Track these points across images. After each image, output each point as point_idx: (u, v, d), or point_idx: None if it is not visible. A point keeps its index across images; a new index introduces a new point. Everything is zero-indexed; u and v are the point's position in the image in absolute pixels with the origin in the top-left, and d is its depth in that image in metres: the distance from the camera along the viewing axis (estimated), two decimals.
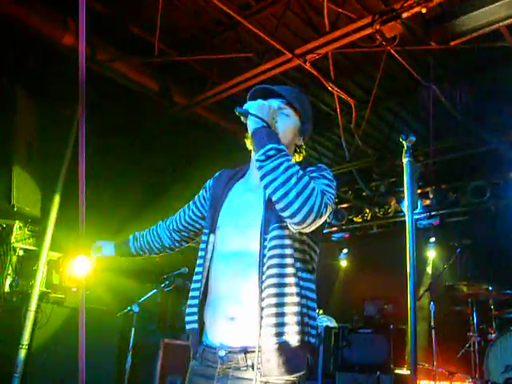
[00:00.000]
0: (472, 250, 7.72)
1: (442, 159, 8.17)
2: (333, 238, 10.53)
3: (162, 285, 5.75)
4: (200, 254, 2.04)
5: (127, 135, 7.14)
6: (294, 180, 1.73)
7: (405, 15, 4.71)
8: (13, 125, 5.81)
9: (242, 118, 1.95)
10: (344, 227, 10.24)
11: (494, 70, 6.30)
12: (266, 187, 1.78)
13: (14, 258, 6.53)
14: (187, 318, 1.99)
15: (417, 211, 8.97)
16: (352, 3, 5.35)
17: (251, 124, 1.89)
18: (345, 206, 10.08)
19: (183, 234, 2.41)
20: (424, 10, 4.57)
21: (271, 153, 1.78)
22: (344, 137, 7.04)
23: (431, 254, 9.12)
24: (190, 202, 2.38)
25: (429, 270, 9.04)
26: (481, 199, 8.34)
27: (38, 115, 6.28)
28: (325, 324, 7.79)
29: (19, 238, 6.63)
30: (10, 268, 6.49)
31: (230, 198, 2.08)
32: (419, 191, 9.02)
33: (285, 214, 1.75)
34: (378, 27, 4.85)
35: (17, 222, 6.54)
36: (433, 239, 9.12)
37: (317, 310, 1.94)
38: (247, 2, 5.64)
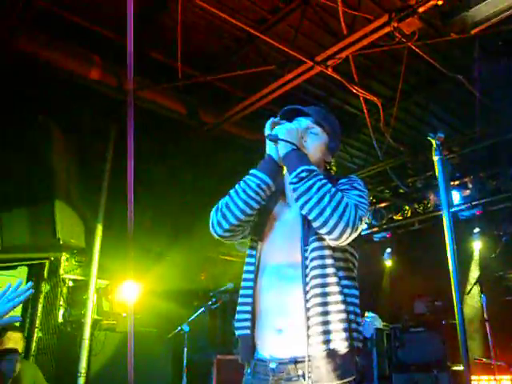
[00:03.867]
0: None
1: (478, 147, 8.02)
2: (375, 239, 10.41)
3: (210, 302, 5.82)
4: (248, 260, 2.12)
5: (164, 159, 7.28)
6: (327, 198, 1.81)
7: (421, 9, 4.66)
8: (51, 161, 6.02)
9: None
10: (385, 226, 10.13)
11: None
12: (301, 208, 1.87)
13: (65, 289, 6.73)
14: (237, 324, 2.04)
15: (458, 203, 8.81)
16: (367, 4, 5.33)
17: (281, 148, 1.99)
18: (383, 205, 9.99)
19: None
20: (440, 2, 4.52)
21: (303, 174, 1.87)
22: (375, 136, 7.00)
23: (476, 244, 8.93)
24: None
25: (476, 261, 8.85)
26: None
27: (74, 148, 6.49)
28: (373, 325, 7.70)
29: (67, 269, 6.84)
30: (62, 299, 6.68)
31: (271, 215, 2.15)
32: (457, 182, 8.86)
33: (322, 231, 1.84)
34: (395, 25, 4.82)
35: (63, 254, 6.75)
36: (477, 229, 8.93)
37: (363, 315, 1.96)
38: (263, 16, 5.71)
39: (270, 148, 2.08)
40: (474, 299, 7.19)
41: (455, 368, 6.80)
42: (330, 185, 1.86)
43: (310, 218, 1.84)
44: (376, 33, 5.03)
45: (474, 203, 8.76)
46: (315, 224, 1.84)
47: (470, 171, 8.68)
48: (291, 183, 1.90)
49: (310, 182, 1.85)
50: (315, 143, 2.13)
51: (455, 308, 1.96)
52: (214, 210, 2.11)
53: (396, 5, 5.18)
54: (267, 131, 2.06)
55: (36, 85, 5.85)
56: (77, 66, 5.59)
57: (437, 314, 8.01)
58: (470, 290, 6.60)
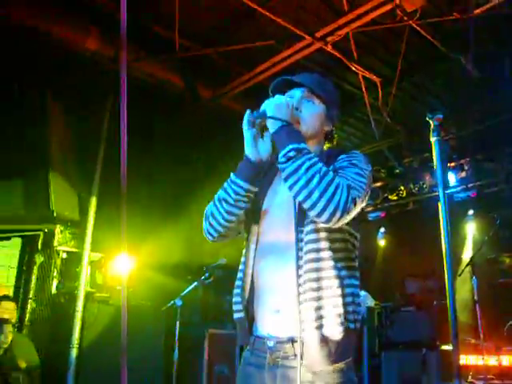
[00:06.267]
0: None
1: (476, 129, 7.98)
2: (369, 218, 10.45)
3: (202, 277, 5.84)
4: (244, 243, 2.09)
5: (159, 132, 7.23)
6: (316, 179, 1.73)
7: None
8: (46, 132, 5.98)
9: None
10: (379, 206, 10.15)
11: None
12: (289, 189, 1.79)
13: (58, 261, 6.73)
14: (234, 307, 2.03)
15: (453, 184, 8.82)
16: None
17: (270, 126, 1.89)
18: (379, 184, 9.99)
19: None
20: None
21: (291, 154, 1.78)
22: (372, 115, 6.96)
23: (470, 226, 8.98)
24: None
25: (469, 243, 8.90)
26: None
27: (70, 120, 6.44)
28: (365, 304, 7.77)
29: (61, 241, 6.83)
30: (55, 271, 6.69)
31: (270, 190, 2.10)
32: (453, 164, 8.86)
33: (311, 213, 1.77)
34: (397, 2, 4.75)
35: (58, 226, 6.74)
36: (471, 211, 8.97)
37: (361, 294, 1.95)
38: None
39: (247, 144, 1.98)
40: (465, 281, 7.23)
41: (444, 347, 6.88)
42: (320, 164, 1.77)
43: (299, 199, 1.77)
44: (377, 10, 4.94)
45: (469, 185, 8.78)
46: (304, 206, 1.76)
47: (466, 153, 8.66)
48: (279, 163, 1.81)
49: (299, 162, 1.75)
50: (312, 112, 2.05)
51: (447, 289, 1.96)
52: (204, 216, 2.11)
53: None
54: (245, 125, 1.96)
55: (34, 56, 5.77)
56: (73, 35, 5.51)
57: (428, 294, 8.08)
58: (462, 271, 6.61)
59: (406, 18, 4.94)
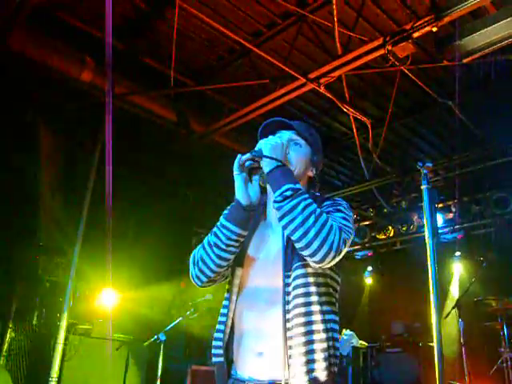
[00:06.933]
0: (498, 263, 7.60)
1: (463, 172, 8.09)
2: (356, 256, 10.45)
3: (188, 312, 5.78)
4: (227, 287, 2.07)
5: (150, 166, 7.24)
6: (312, 219, 1.75)
7: (416, 35, 4.71)
8: (37, 161, 5.96)
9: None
10: (367, 245, 10.17)
11: (508, 82, 6.27)
12: (284, 227, 1.80)
13: (42, 290, 6.62)
14: (213, 351, 2.01)
15: (440, 225, 8.87)
16: (363, 25, 5.39)
17: (266, 165, 1.91)
18: (367, 223, 10.04)
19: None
20: (435, 29, 4.57)
21: (288, 193, 1.80)
22: (362, 155, 7.04)
23: (457, 268, 9.00)
24: None
25: (455, 284, 8.91)
26: (504, 210, 8.23)
27: (60, 150, 6.43)
28: (350, 343, 7.70)
29: (46, 270, 6.73)
30: (38, 300, 6.58)
31: (256, 234, 2.10)
32: (441, 205, 8.94)
33: (305, 253, 1.78)
34: (389, 48, 4.86)
35: (43, 254, 6.65)
36: (458, 253, 9.01)
37: (341, 332, 1.95)
38: (259, 30, 5.73)
39: (238, 189, 1.98)
40: (451, 323, 7.21)
41: None
42: (315, 205, 1.81)
43: (293, 238, 1.78)
44: (370, 54, 5.06)
45: (456, 227, 8.84)
46: (298, 245, 1.78)
47: (454, 195, 8.75)
48: (275, 201, 1.83)
49: (295, 202, 1.78)
50: (299, 155, 2.07)
51: (434, 331, 1.97)
52: (191, 260, 2.07)
53: (391, 28, 5.25)
54: (236, 170, 1.97)
55: (26, 83, 5.79)
56: (69, 66, 5.54)
57: (414, 335, 8.03)
58: (449, 313, 6.60)
59: (397, 64, 5.05)
